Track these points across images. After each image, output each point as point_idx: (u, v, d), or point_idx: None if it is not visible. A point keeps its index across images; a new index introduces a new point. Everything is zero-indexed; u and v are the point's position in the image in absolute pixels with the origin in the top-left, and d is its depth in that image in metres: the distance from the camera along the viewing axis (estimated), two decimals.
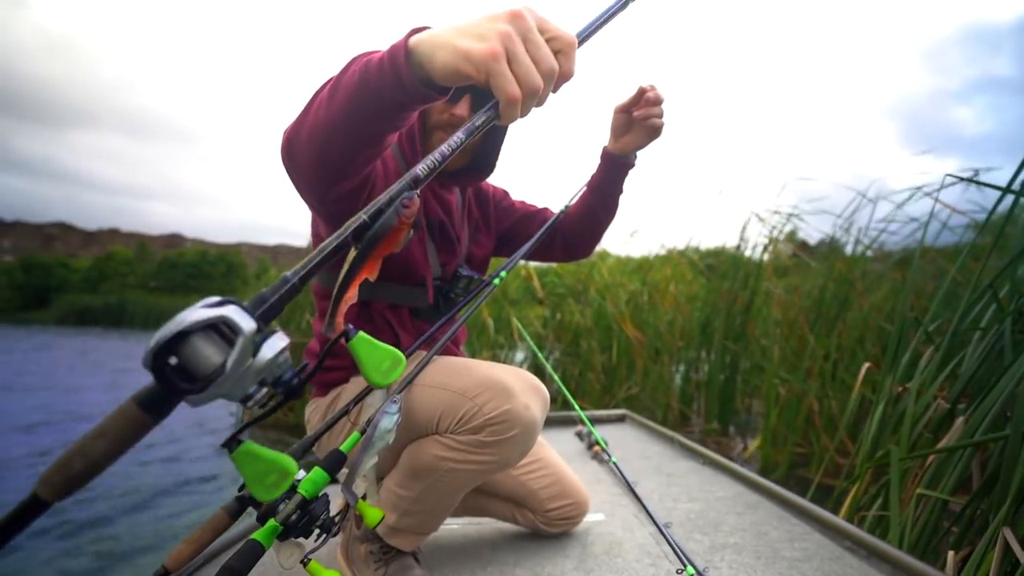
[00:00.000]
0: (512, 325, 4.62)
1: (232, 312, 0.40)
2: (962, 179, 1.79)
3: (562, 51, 0.55)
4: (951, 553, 1.22)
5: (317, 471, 0.74)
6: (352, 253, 0.55)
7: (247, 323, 0.40)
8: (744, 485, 1.76)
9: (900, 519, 1.39)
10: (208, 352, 0.39)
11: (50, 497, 0.41)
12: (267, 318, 0.43)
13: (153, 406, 0.41)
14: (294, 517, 0.68)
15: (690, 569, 0.99)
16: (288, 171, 0.84)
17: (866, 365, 2.28)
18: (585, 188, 1.27)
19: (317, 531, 0.72)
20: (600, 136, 1.23)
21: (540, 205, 1.38)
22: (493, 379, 0.95)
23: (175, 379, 0.39)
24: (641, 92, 1.11)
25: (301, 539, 0.71)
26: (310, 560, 0.71)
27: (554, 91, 0.57)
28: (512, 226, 1.34)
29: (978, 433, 1.37)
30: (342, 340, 0.59)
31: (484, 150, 1.16)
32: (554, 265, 5.36)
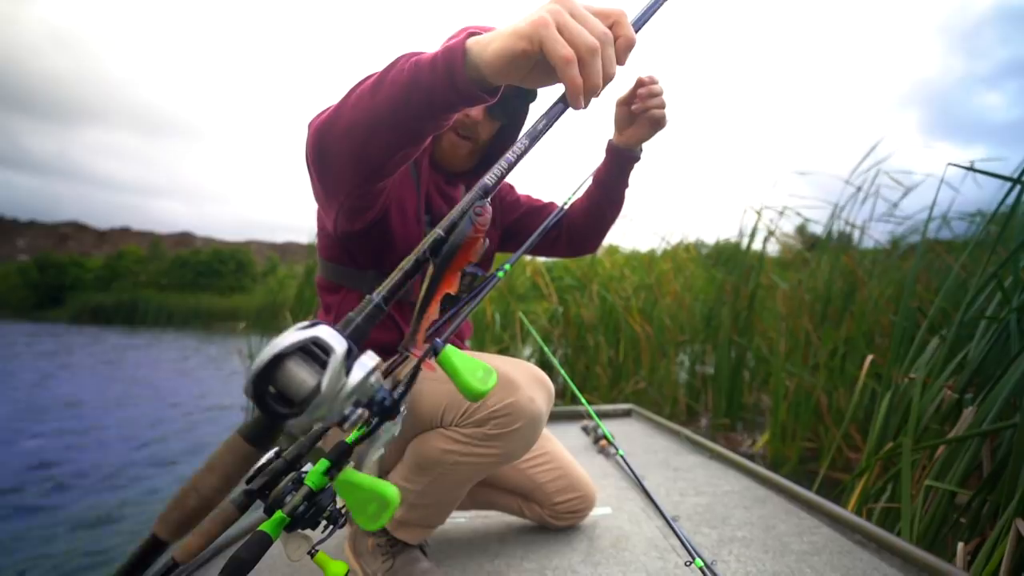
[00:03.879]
0: (518, 321, 4.62)
1: (323, 332, 0.40)
2: (965, 168, 1.76)
3: (616, 21, 0.55)
4: (960, 544, 1.21)
5: (323, 463, 0.74)
6: (430, 269, 0.53)
7: (339, 343, 0.39)
8: (752, 479, 1.75)
9: (909, 511, 1.38)
10: (303, 376, 0.39)
11: (168, 536, 0.44)
12: (355, 339, 0.42)
13: (257, 437, 0.43)
14: (301, 508, 0.69)
15: (698, 562, 0.98)
16: (315, 163, 0.82)
17: (869, 357, 2.26)
18: (590, 182, 1.26)
19: (324, 523, 0.73)
20: (606, 129, 1.22)
21: (546, 200, 1.38)
22: (497, 372, 0.95)
23: (275, 406, 0.39)
24: (638, 84, 1.10)
25: (308, 531, 0.72)
26: (317, 551, 0.71)
27: (620, 62, 0.55)
28: (517, 220, 1.33)
29: (986, 422, 1.36)
30: (430, 357, 0.57)
31: (492, 152, 1.17)
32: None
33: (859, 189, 3.50)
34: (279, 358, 0.39)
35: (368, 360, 0.42)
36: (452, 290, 0.55)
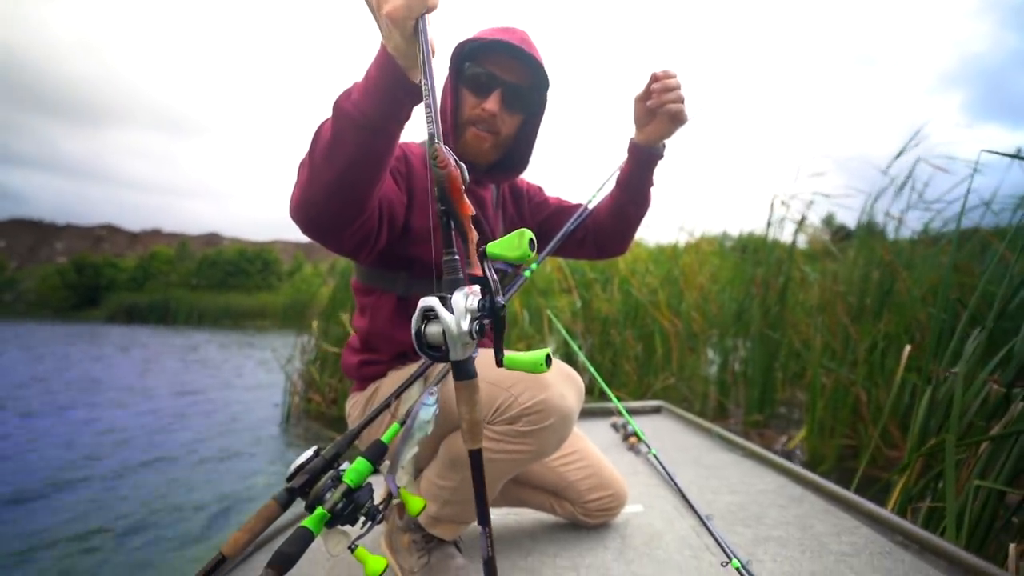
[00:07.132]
0: (543, 315, 4.62)
1: (426, 302, 0.62)
2: (1000, 154, 1.68)
3: None
4: (1012, 546, 1.16)
5: (361, 461, 0.75)
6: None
7: (434, 302, 0.62)
8: (787, 477, 1.72)
9: (954, 511, 1.33)
10: (433, 329, 0.61)
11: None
12: (446, 290, 0.63)
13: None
14: (340, 505, 0.70)
15: (735, 562, 0.97)
16: (313, 232, 0.86)
17: (908, 348, 2.18)
18: (615, 183, 1.25)
19: (362, 519, 0.74)
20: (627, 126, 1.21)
21: (574, 201, 1.37)
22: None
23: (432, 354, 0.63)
24: (652, 79, 1.09)
25: (348, 526, 0.73)
26: (357, 546, 0.72)
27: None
28: (546, 220, 1.33)
29: None
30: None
31: (517, 146, 1.17)
32: None
33: (894, 181, 3.39)
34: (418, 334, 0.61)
35: (459, 296, 0.61)
36: (470, 211, 0.65)
